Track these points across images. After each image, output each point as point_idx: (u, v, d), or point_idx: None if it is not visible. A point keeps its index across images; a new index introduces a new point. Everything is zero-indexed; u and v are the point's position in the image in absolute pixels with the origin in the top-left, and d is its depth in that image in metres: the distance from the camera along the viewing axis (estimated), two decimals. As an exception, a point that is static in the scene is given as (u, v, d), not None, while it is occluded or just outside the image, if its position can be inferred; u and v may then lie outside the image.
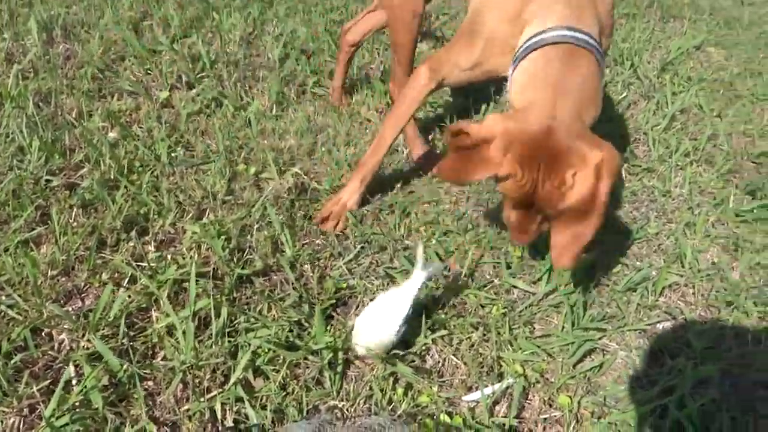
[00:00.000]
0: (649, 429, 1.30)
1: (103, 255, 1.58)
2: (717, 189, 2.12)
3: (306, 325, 1.43)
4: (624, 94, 2.71)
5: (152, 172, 1.90)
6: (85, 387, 1.22)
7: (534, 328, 1.54)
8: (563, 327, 1.53)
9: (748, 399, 1.41)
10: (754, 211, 2.01)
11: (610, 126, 2.39)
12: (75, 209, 1.69)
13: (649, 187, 2.12)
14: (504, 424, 1.28)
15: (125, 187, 1.77)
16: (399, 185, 1.99)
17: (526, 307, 1.57)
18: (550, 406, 1.36)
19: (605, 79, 2.74)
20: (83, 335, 1.35)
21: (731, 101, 2.77)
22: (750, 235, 1.92)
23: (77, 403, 1.22)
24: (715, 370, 1.43)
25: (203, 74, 2.50)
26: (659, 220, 1.96)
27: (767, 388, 1.44)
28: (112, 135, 2.06)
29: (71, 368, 1.28)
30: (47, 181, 1.78)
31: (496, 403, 1.35)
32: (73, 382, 1.27)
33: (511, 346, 1.47)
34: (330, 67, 2.67)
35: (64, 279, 1.50)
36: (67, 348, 1.34)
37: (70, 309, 1.44)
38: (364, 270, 1.64)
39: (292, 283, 1.54)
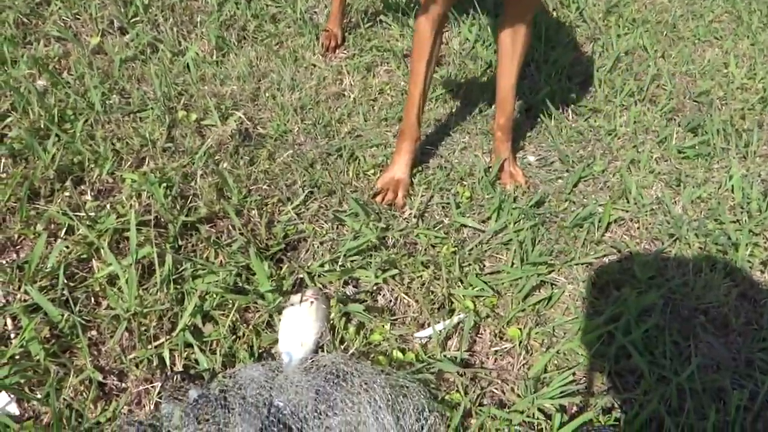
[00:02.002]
0: (596, 355, 1.34)
1: (37, 206, 1.50)
2: (660, 127, 2.16)
3: (254, 269, 1.40)
4: (570, 37, 2.70)
5: (86, 121, 1.80)
6: (24, 339, 1.17)
7: (484, 266, 1.55)
8: (513, 263, 1.55)
9: (689, 324, 1.46)
10: (696, 147, 2.06)
11: (557, 66, 2.39)
12: (3, 159, 1.60)
13: (595, 127, 2.14)
14: (456, 358, 1.30)
15: (57, 136, 1.67)
16: (346, 129, 1.95)
17: (475, 245, 1.58)
18: (501, 338, 1.39)
19: (551, 20, 2.74)
20: (19, 287, 1.29)
21: (674, 42, 2.80)
22: (692, 170, 1.97)
23: (17, 356, 1.17)
24: (658, 298, 1.47)
25: (137, 19, 2.37)
26: (605, 159, 1.99)
27: (706, 314, 1.50)
28: (40, 83, 1.94)
29: (8, 320, 1.23)
30: (-30, 131, 1.67)
31: (448, 338, 1.36)
32: (11, 335, 1.22)
33: (462, 283, 1.48)
34: (272, 11, 2.57)
35: (-6, 231, 1.42)
36: (3, 301, 1.27)
37: (4, 261, 1.37)
38: (312, 214, 1.61)
39: (239, 229, 1.50)
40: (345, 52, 2.42)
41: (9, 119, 1.73)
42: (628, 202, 1.82)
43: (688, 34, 2.88)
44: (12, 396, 1.12)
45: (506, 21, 1.63)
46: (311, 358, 1.17)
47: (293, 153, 1.80)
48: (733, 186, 1.88)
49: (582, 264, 1.59)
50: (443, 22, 1.61)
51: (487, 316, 1.41)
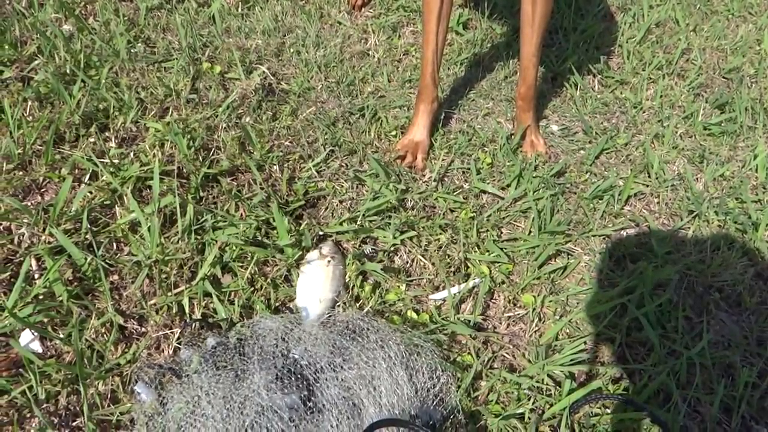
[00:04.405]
0: (608, 326, 1.35)
1: (62, 150, 1.51)
2: (687, 102, 2.13)
3: (274, 224, 1.41)
4: (600, 5, 2.65)
5: (111, 68, 1.80)
6: (48, 279, 1.20)
7: (501, 232, 1.56)
8: (530, 231, 1.55)
9: (702, 301, 1.47)
10: (722, 124, 2.03)
11: (585, 36, 2.35)
12: (30, 102, 1.61)
13: (621, 99, 2.11)
14: (469, 321, 1.32)
15: (82, 81, 1.68)
16: (370, 89, 1.94)
17: (494, 212, 1.58)
18: (515, 305, 1.40)
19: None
20: (44, 229, 1.31)
21: (707, 16, 2.73)
22: (716, 147, 1.95)
23: (41, 296, 1.20)
24: (673, 273, 1.48)
25: (163, -33, 2.35)
26: (629, 132, 1.96)
27: (721, 291, 1.50)
28: (66, 27, 1.94)
29: (32, 261, 1.25)
30: (-3, 72, 1.68)
31: (462, 301, 1.37)
32: (35, 276, 1.25)
33: (479, 248, 1.48)
34: (299, -34, 2.53)
35: (21, 173, 1.44)
36: (28, 242, 1.30)
37: (29, 204, 1.39)
38: (333, 172, 1.61)
39: (260, 183, 1.51)
40: (371, 10, 2.38)
41: (36, 62, 1.74)
42: (649, 176, 1.80)
43: (722, 8, 2.81)
44: (35, 334, 1.16)
45: None
46: (328, 314, 1.19)
47: (316, 110, 1.80)
48: (757, 165, 1.86)
49: (599, 236, 1.59)
50: None
51: (502, 282, 1.42)
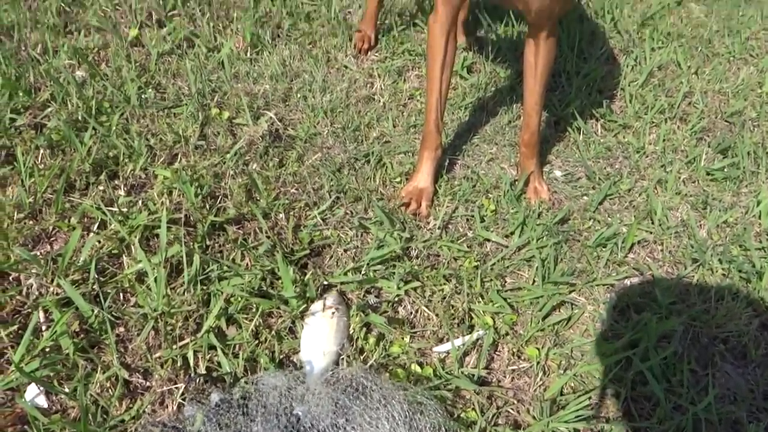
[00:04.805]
0: (613, 380, 1.35)
1: (72, 198, 1.54)
2: (690, 147, 2.14)
3: (279, 274, 1.42)
4: (603, 49, 2.68)
5: (122, 114, 1.84)
6: (55, 332, 1.21)
7: (505, 282, 1.56)
8: (534, 281, 1.56)
9: (707, 353, 1.46)
10: (725, 169, 2.04)
11: (588, 80, 2.38)
12: (42, 150, 1.64)
13: (624, 143, 2.13)
14: (473, 375, 1.32)
15: (94, 128, 1.71)
16: (375, 135, 1.97)
17: (498, 260, 1.59)
18: (519, 357, 1.40)
19: (585, 31, 2.71)
20: (52, 280, 1.33)
21: (708, 58, 2.76)
22: (719, 193, 1.96)
23: (47, 349, 1.21)
24: (678, 325, 1.48)
25: (174, 12, 2.40)
26: (632, 177, 1.98)
27: (726, 343, 1.50)
28: (79, 73, 1.98)
29: (40, 313, 1.27)
30: (11, 120, 1.72)
31: (466, 354, 1.37)
32: (43, 327, 1.26)
33: (482, 298, 1.49)
34: (306, 10, 2.59)
35: (31, 222, 1.46)
36: (36, 293, 1.31)
37: (39, 253, 1.41)
38: (338, 220, 1.63)
39: (266, 232, 1.52)
40: (377, 54, 2.43)
41: (49, 110, 1.77)
42: (652, 223, 1.81)
43: (723, 51, 2.84)
44: (41, 388, 1.16)
45: (529, 35, 1.62)
46: (332, 369, 1.20)
47: (322, 156, 1.83)
48: (760, 212, 1.87)
49: (603, 285, 1.59)
50: (454, 26, 1.61)
51: (506, 334, 1.42)
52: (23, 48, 2.04)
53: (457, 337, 1.38)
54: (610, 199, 1.89)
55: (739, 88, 2.54)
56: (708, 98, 2.45)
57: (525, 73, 1.68)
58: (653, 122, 2.26)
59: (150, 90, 1.97)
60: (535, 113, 1.73)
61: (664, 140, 2.16)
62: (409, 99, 2.19)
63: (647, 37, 2.83)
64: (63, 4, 2.31)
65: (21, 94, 1.81)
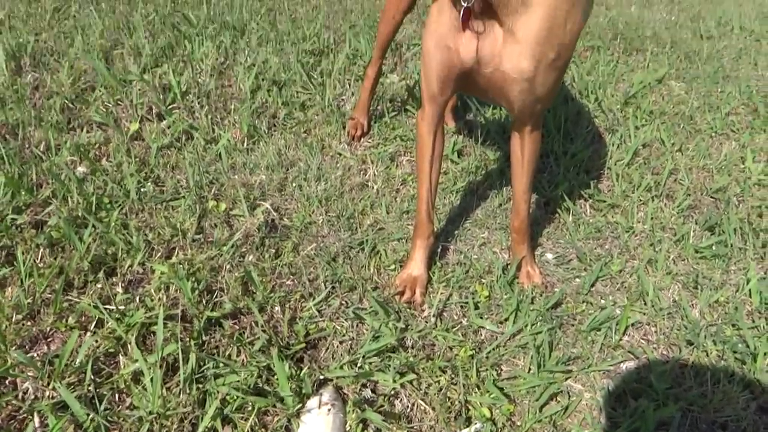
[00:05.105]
0: (612, 473, 1.33)
1: (70, 297, 1.56)
2: (677, 225, 2.19)
3: (275, 370, 1.43)
4: (588, 128, 2.78)
5: (121, 209, 1.89)
6: (50, 440, 1.21)
7: (501, 371, 1.57)
8: (529, 369, 1.56)
9: (706, 439, 1.45)
10: (713, 247, 2.08)
11: (575, 160, 2.45)
12: (41, 249, 1.67)
13: (613, 223, 2.18)
14: (471, 471, 1.30)
15: (93, 225, 1.75)
16: (369, 222, 2.01)
17: (493, 349, 1.60)
18: (517, 450, 1.39)
19: (570, 111, 2.81)
20: (48, 383, 1.33)
21: (691, 135, 2.86)
22: (709, 271, 1.98)
23: (41, 457, 1.21)
24: (675, 411, 1.47)
25: (174, 105, 2.50)
26: (622, 257, 2.01)
27: (725, 428, 1.49)
28: (80, 169, 2.04)
29: (36, 419, 1.26)
30: (13, 219, 1.76)
31: (463, 448, 1.36)
32: (38, 433, 1.26)
33: (479, 389, 1.49)
34: (302, 99, 2.69)
35: (29, 323, 1.48)
36: (32, 397, 1.32)
37: (35, 355, 1.42)
38: (333, 311, 1.65)
39: (262, 326, 1.54)
40: (370, 140, 2.51)
41: (50, 208, 1.82)
42: (645, 304, 1.83)
43: (705, 127, 2.94)
44: (36, 498, 1.15)
45: (514, 129, 1.69)
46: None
47: (317, 246, 1.86)
48: (750, 290, 1.89)
49: (599, 371, 1.59)
50: (441, 122, 1.68)
51: (503, 426, 1.42)
52: (27, 146, 2.11)
53: (455, 431, 1.37)
54: (602, 280, 1.91)
55: (722, 164, 2.61)
56: (693, 175, 2.52)
57: (512, 163, 1.74)
58: (641, 200, 2.31)
59: (149, 184, 2.02)
60: (523, 201, 1.78)
61: (652, 218, 2.20)
62: (401, 184, 2.25)
63: (631, 116, 2.94)
64: (67, 101, 2.41)
65: (23, 192, 1.86)
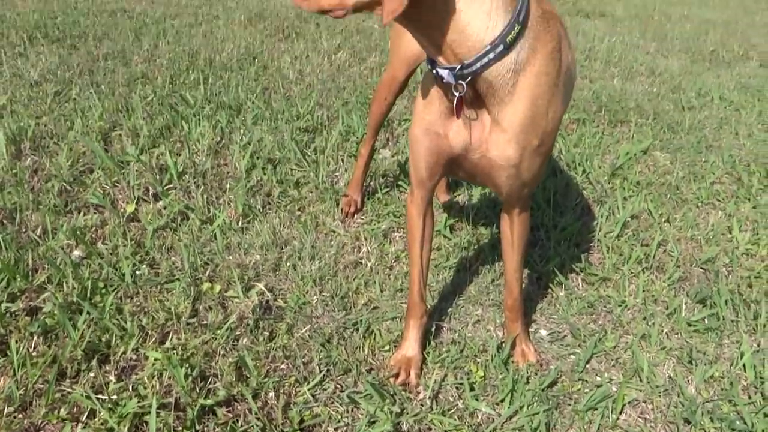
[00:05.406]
0: None
1: (63, 387, 1.55)
2: (669, 298, 2.21)
3: (270, 460, 1.41)
4: (577, 200, 2.83)
5: (116, 293, 1.90)
6: None
7: (498, 455, 1.55)
8: (527, 453, 1.54)
9: None
10: (705, 320, 2.09)
11: (565, 234, 2.49)
12: (35, 337, 1.67)
13: (605, 297, 2.19)
14: None
15: (88, 312, 1.76)
16: (363, 301, 2.02)
17: (490, 432, 1.58)
18: None
19: (559, 184, 2.88)
20: (38, 481, 1.31)
21: (678, 205, 2.91)
22: (702, 345, 1.99)
23: None
24: (676, 496, 1.45)
25: (170, 186, 2.55)
26: (616, 332, 2.02)
27: None
28: (76, 253, 2.06)
29: None
30: (7, 307, 1.77)
31: None
32: None
33: (476, 475, 1.47)
34: (296, 176, 2.75)
35: (20, 416, 1.46)
36: (20, 496, 1.29)
37: (26, 450, 1.40)
38: (328, 396, 1.64)
39: (256, 413, 1.53)
40: (363, 217, 2.55)
41: (45, 294, 1.83)
42: (641, 380, 1.83)
43: (691, 197, 3.00)
44: None
45: (503, 210, 1.73)
46: None
47: (311, 327, 1.87)
48: (744, 365, 1.89)
49: (597, 453, 1.58)
50: (430, 205, 1.72)
51: None
52: (24, 230, 2.13)
53: None
54: (597, 357, 1.92)
55: (710, 234, 2.66)
56: (682, 246, 2.56)
57: (503, 243, 1.78)
58: (632, 273, 2.34)
59: (144, 266, 2.04)
60: (515, 280, 1.80)
61: (643, 291, 2.22)
62: (395, 261, 2.27)
63: (618, 187, 3.01)
64: (65, 183, 2.45)
65: (18, 278, 1.87)
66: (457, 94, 1.38)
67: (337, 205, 2.57)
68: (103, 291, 1.89)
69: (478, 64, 1.32)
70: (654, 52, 5.72)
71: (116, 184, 2.52)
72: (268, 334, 1.83)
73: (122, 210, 2.35)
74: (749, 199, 3.00)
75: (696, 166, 3.36)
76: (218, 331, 1.78)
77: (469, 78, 1.34)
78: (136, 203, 2.41)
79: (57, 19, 4.48)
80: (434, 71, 1.39)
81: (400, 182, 2.79)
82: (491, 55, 1.31)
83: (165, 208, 2.40)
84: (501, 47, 1.31)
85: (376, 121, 2.45)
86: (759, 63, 5.68)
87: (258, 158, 2.84)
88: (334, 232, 2.41)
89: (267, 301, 1.96)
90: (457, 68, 1.34)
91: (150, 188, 2.50)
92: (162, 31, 4.51)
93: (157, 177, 2.55)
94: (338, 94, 3.75)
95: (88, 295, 1.85)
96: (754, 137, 3.80)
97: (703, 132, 3.81)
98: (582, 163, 3.19)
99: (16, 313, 1.76)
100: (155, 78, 3.63)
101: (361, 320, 1.92)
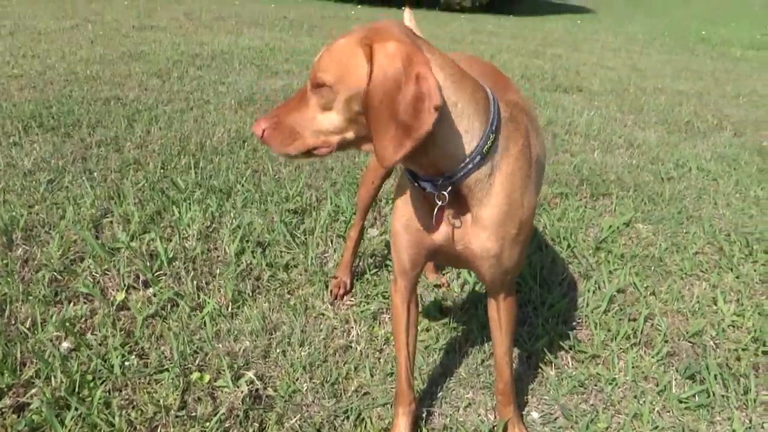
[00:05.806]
0: None
1: (48, 490, 1.52)
2: (659, 374, 2.22)
3: None
4: (563, 275, 2.87)
5: (104, 386, 1.88)
6: None
7: None
8: None
9: None
10: (696, 397, 2.10)
11: (553, 311, 2.52)
12: (21, 437, 1.65)
13: (595, 375, 2.20)
14: None
15: (76, 407, 1.74)
16: (353, 387, 2.02)
17: None
18: None
19: (545, 259, 2.92)
20: None
21: (663, 277, 2.96)
22: (694, 423, 1.99)
23: None
24: None
25: (161, 272, 2.57)
26: (608, 412, 2.02)
27: None
28: (65, 345, 2.06)
29: None
30: (-6, 405, 1.75)
31: None
32: None
33: None
34: (285, 259, 2.78)
35: None
36: None
37: None
38: (319, 490, 1.61)
39: None
40: (352, 298, 2.57)
41: (32, 391, 1.81)
42: (635, 463, 1.82)
43: (674, 268, 3.05)
44: None
45: (489, 295, 1.76)
46: None
47: (301, 417, 1.85)
48: (738, 444, 1.89)
49: None
50: (414, 292, 1.74)
51: None
52: (13, 323, 2.13)
53: None
54: (590, 439, 1.91)
55: (695, 306, 2.69)
56: (668, 319, 2.59)
57: (491, 326, 1.80)
58: (620, 349, 2.35)
59: (133, 357, 2.04)
60: (505, 363, 1.81)
61: (633, 368, 2.23)
62: (384, 344, 2.28)
63: (603, 261, 3.06)
64: (55, 272, 2.47)
65: (6, 373, 1.86)
66: (439, 203, 1.44)
67: (327, 287, 2.60)
68: (92, 384, 1.88)
69: (460, 174, 1.39)
70: (632, 124, 5.91)
71: (106, 272, 2.54)
72: (258, 425, 1.81)
73: (112, 299, 2.36)
74: (732, 269, 3.05)
75: (678, 237, 3.43)
76: (207, 424, 1.76)
77: (450, 188, 1.41)
78: (126, 291, 2.42)
79: (52, 108, 4.59)
80: (416, 183, 1.45)
81: (388, 262, 2.83)
82: (470, 166, 1.39)
83: (155, 295, 2.41)
84: (478, 158, 1.38)
85: (364, 204, 2.51)
86: (733, 132, 5.88)
87: (248, 241, 2.88)
88: (323, 315, 2.43)
89: (257, 390, 1.96)
90: (440, 180, 1.41)
91: (140, 275, 2.51)
92: (154, 117, 4.62)
93: (147, 264, 2.57)
94: (326, 174, 3.84)
95: (77, 389, 1.84)
96: (733, 206, 3.90)
97: (683, 203, 3.91)
98: (567, 237, 3.25)
99: (3, 410, 1.74)
100: (147, 164, 3.71)
101: (351, 408, 1.91)
